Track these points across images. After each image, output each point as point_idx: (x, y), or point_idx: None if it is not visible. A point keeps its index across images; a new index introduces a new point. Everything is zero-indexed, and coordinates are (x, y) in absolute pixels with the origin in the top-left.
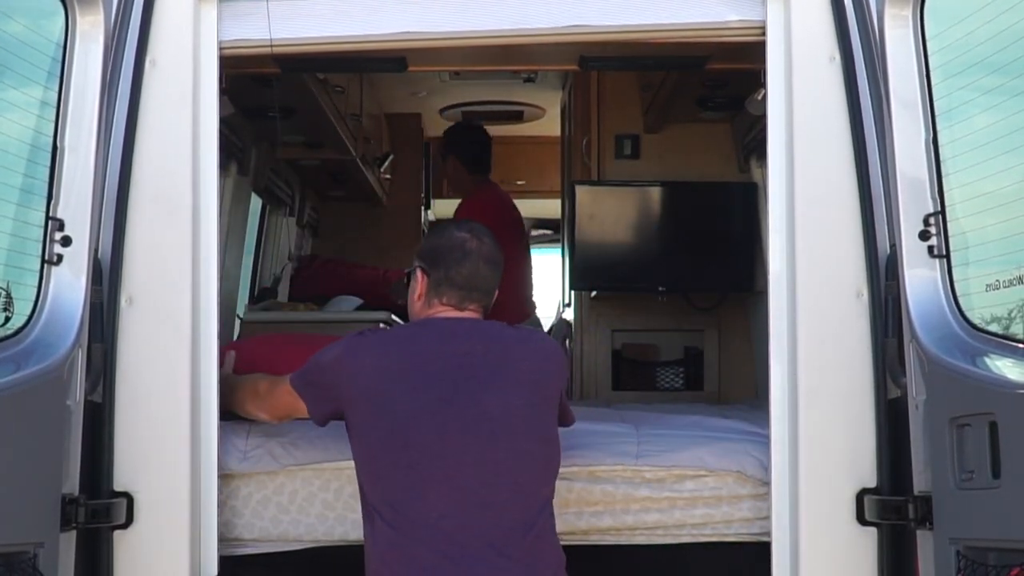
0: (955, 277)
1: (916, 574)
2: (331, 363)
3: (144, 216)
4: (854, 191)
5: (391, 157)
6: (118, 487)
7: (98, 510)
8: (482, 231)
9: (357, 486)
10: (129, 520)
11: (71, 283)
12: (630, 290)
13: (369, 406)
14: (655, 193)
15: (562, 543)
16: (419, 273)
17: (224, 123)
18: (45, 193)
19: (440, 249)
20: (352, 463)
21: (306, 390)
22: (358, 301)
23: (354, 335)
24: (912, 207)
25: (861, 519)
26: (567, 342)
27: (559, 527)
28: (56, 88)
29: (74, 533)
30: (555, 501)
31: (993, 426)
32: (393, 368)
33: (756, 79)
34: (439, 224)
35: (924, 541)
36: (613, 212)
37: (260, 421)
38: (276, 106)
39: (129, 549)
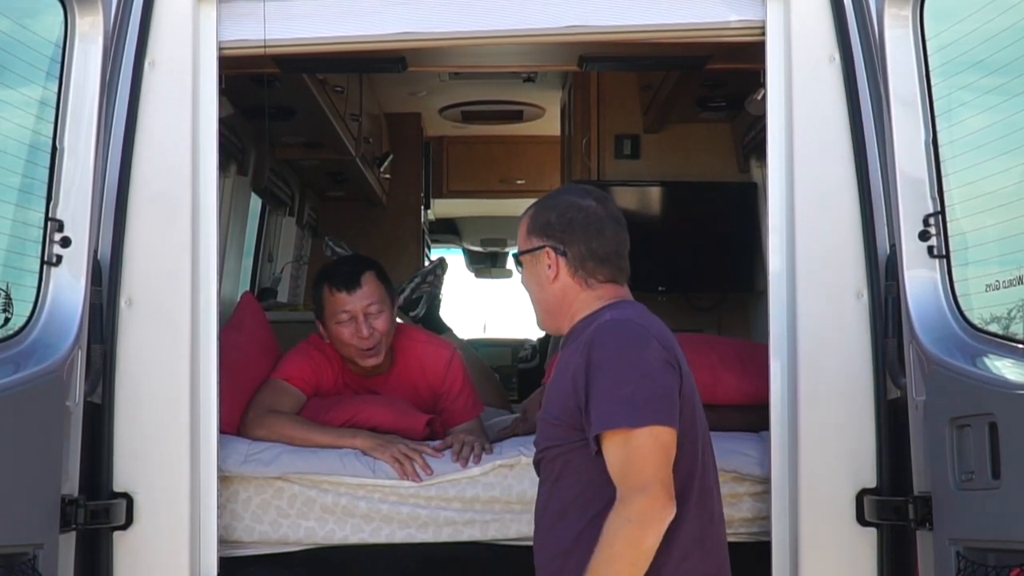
0: (955, 277)
1: (916, 575)
2: (668, 373)
3: (144, 217)
4: (854, 191)
5: (391, 157)
6: (118, 488)
7: (98, 511)
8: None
9: (358, 493)
10: (129, 521)
11: (71, 284)
12: (630, 290)
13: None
14: (655, 193)
15: None
16: (549, 254)
17: (223, 123)
18: (44, 194)
19: (573, 220)
20: (350, 480)
21: (672, 411)
22: None
23: (634, 334)
24: (912, 207)
25: (861, 519)
26: None
27: None
28: (55, 88)
29: (74, 534)
30: None
31: (993, 427)
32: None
33: (756, 79)
34: (545, 198)
35: (924, 542)
36: None
37: None
38: (266, 106)
39: (129, 550)
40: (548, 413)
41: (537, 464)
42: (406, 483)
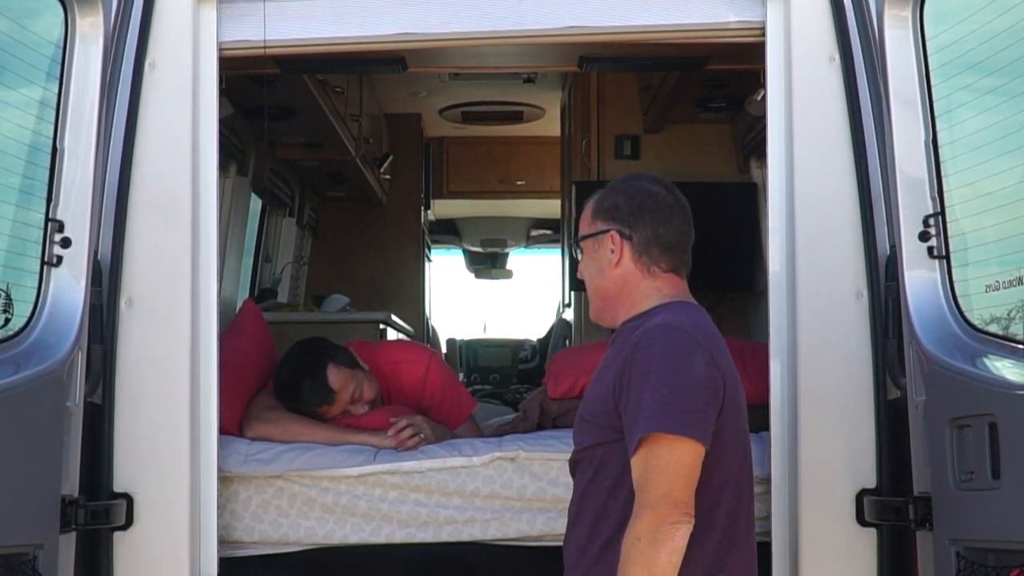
0: (955, 278)
1: (916, 575)
2: (709, 389)
3: (144, 217)
4: (854, 191)
5: (391, 157)
6: (118, 488)
7: (98, 511)
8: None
9: (358, 491)
10: (129, 521)
11: (71, 284)
12: None
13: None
14: None
15: None
16: (614, 238)
17: (223, 123)
18: (45, 194)
19: (642, 205)
20: (351, 471)
21: (705, 428)
22: (346, 299)
23: (682, 341)
24: (912, 208)
25: (861, 520)
26: (567, 342)
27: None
28: (55, 89)
29: (74, 534)
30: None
31: (993, 427)
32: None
33: (756, 79)
34: (612, 183)
35: (924, 542)
36: None
37: None
38: (266, 106)
39: (129, 550)
40: (587, 412)
41: (574, 464)
42: (407, 464)
